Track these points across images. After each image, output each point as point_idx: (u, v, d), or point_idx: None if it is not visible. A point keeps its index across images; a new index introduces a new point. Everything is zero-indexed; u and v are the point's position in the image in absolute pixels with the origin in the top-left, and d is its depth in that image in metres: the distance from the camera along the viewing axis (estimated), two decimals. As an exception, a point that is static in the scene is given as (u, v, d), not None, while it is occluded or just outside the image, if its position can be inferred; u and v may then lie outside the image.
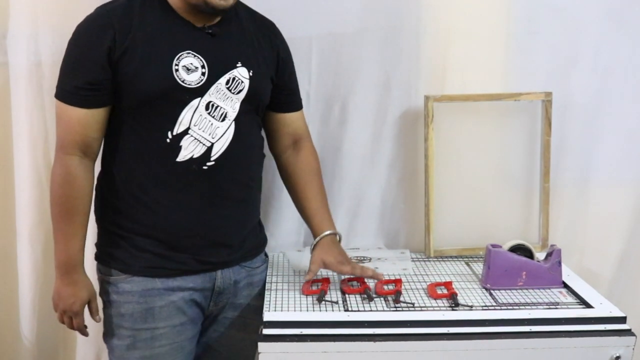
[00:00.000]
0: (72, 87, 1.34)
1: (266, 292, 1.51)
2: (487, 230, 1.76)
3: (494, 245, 1.56)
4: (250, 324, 1.53)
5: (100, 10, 1.38)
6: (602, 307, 1.44)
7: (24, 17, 1.65)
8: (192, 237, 1.43)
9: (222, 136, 1.41)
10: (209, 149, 1.40)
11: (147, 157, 1.38)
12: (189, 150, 1.38)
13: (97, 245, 1.51)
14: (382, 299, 1.47)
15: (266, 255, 1.64)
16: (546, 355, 1.37)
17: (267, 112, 1.56)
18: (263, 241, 1.62)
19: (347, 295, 1.48)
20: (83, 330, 1.47)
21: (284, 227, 1.82)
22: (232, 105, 1.42)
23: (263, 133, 1.59)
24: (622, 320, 1.40)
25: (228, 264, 1.49)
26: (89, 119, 1.35)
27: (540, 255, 1.64)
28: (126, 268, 1.43)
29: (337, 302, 1.44)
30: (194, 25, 1.39)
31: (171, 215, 1.41)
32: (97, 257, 1.50)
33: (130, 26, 1.34)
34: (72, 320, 1.45)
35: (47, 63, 1.66)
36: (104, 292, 1.48)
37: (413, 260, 1.74)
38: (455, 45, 1.75)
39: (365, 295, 1.47)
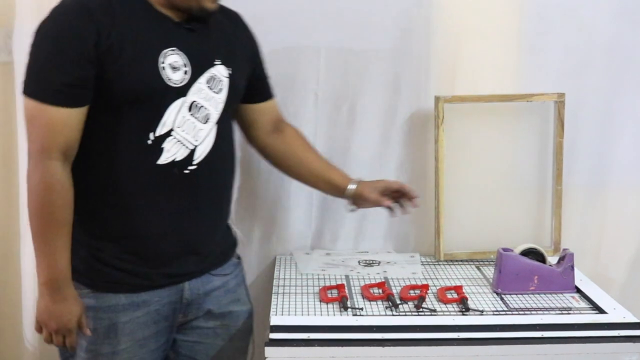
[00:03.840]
0: (59, 84, 1.25)
1: (273, 296, 1.52)
2: (498, 234, 1.76)
3: (505, 249, 1.56)
4: (235, 332, 1.50)
5: (75, 2, 1.29)
6: (616, 313, 1.44)
7: (29, 17, 1.63)
8: (163, 243, 1.38)
9: (205, 139, 1.37)
10: (192, 152, 1.36)
11: (126, 160, 1.33)
12: (171, 152, 1.33)
13: None
14: (408, 304, 1.46)
15: (239, 257, 1.57)
16: (559, 361, 1.38)
17: (243, 106, 1.51)
18: (232, 244, 1.54)
19: (370, 302, 1.47)
20: (75, 348, 1.39)
21: (291, 231, 1.82)
22: (215, 106, 1.38)
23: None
24: (636, 326, 1.40)
25: (195, 274, 1.43)
26: (73, 119, 1.28)
27: (552, 259, 1.63)
28: (91, 283, 1.37)
29: (362, 309, 1.43)
30: (172, 20, 1.35)
31: (146, 220, 1.35)
32: None
33: (113, 20, 1.28)
34: (65, 339, 1.37)
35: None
36: None
37: (423, 264, 1.74)
38: (466, 45, 1.74)
39: (390, 303, 1.45)
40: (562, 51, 1.76)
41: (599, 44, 1.77)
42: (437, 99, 1.72)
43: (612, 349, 1.37)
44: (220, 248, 1.49)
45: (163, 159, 1.33)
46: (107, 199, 1.35)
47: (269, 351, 1.34)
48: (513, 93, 1.74)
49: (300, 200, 1.79)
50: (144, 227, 1.36)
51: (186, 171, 1.36)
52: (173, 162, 1.34)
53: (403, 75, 1.75)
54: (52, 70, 1.26)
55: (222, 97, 1.39)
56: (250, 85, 1.49)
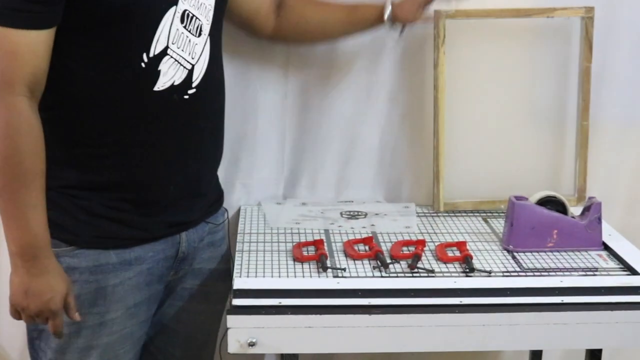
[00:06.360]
0: (16, 2, 1.20)
1: (237, 254, 1.48)
2: (510, 179, 1.74)
3: (518, 198, 1.54)
4: (213, 293, 1.50)
5: None
6: (651, 274, 1.42)
7: None
8: (165, 186, 1.37)
9: (200, 55, 1.35)
10: (190, 72, 1.34)
11: (115, 89, 1.29)
12: (168, 76, 1.31)
13: None
14: (400, 263, 1.44)
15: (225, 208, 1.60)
16: (581, 331, 1.35)
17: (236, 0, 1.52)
18: (221, 190, 1.58)
19: (355, 262, 1.46)
20: (62, 334, 1.33)
21: (259, 176, 1.78)
22: (206, 15, 1.36)
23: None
24: (675, 289, 1.38)
25: (195, 222, 1.45)
26: (40, 45, 1.22)
27: (575, 210, 1.62)
28: (72, 238, 1.34)
29: (345, 269, 1.42)
30: None
31: (143, 161, 1.34)
32: None
33: None
34: (49, 322, 1.32)
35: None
36: None
37: (419, 216, 1.73)
38: (474, -54, 1.67)
39: (378, 262, 1.43)
40: (592, -46, 1.69)
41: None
42: (437, 13, 1.66)
43: (646, 316, 1.36)
44: (215, 191, 1.52)
45: (160, 85, 1.31)
46: (87, 140, 1.31)
47: (232, 320, 1.29)
48: (530, 7, 1.69)
49: (270, 138, 1.75)
50: (142, 169, 1.35)
51: (186, 96, 1.34)
52: (172, 87, 1.32)
53: (396, -17, 1.69)
54: None
55: (212, 1, 1.38)
56: None
